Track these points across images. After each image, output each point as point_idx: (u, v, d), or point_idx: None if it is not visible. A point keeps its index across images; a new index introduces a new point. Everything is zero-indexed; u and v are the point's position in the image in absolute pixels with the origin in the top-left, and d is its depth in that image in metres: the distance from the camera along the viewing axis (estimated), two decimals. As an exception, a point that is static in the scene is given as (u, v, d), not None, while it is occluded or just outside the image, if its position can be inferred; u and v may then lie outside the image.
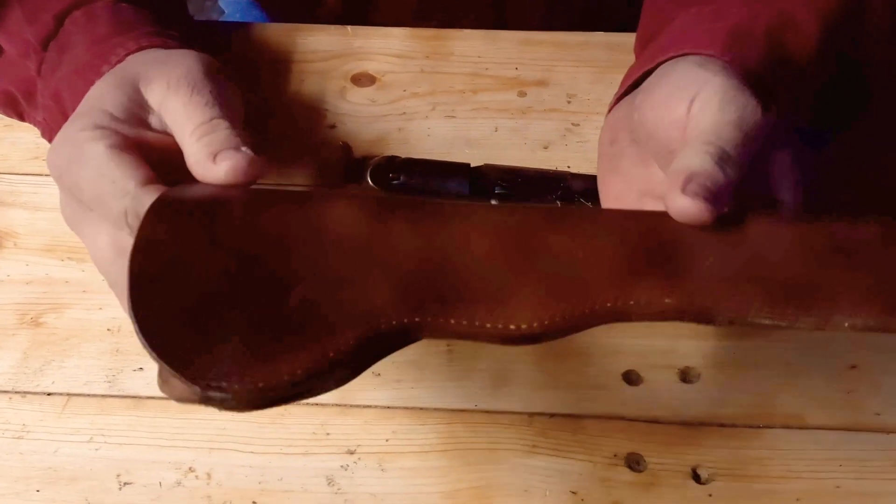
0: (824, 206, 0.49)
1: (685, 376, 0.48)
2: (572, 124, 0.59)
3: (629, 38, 0.58)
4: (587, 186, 0.52)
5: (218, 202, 0.36)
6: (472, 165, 0.53)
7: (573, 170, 0.56)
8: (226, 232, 0.34)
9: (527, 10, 0.73)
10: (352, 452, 0.46)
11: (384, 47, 0.63)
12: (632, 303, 0.32)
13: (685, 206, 0.34)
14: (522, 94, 0.61)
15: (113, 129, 0.40)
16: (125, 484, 0.45)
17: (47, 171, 0.56)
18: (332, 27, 0.64)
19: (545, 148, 0.58)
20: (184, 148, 0.40)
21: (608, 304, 0.32)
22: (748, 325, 0.32)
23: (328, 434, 0.46)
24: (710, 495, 0.44)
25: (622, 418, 0.47)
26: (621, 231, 0.36)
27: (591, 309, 0.32)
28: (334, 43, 0.63)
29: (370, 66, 0.62)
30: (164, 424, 0.47)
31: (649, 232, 0.36)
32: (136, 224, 0.35)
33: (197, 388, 0.29)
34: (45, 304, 0.51)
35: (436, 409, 0.47)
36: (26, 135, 0.58)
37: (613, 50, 0.63)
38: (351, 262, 0.33)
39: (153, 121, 0.42)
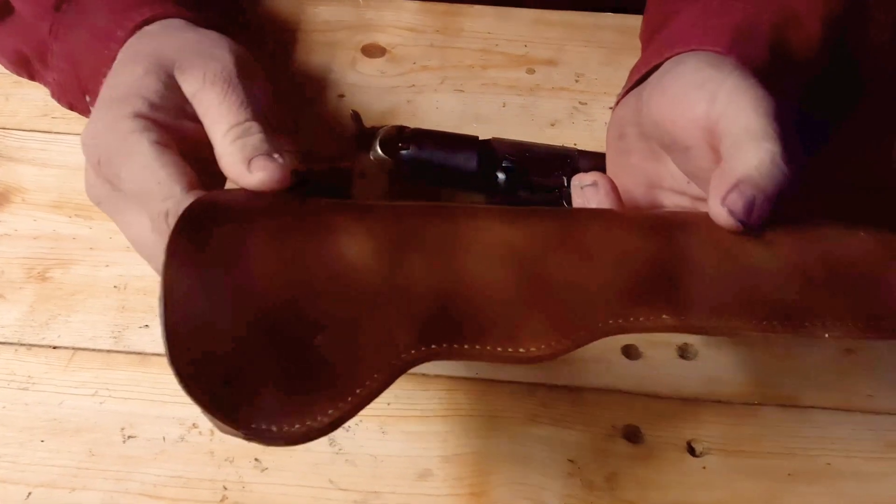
0: (819, 197, 0.50)
1: (684, 353, 0.49)
2: (580, 103, 0.60)
3: (638, 21, 0.58)
4: (594, 164, 0.53)
5: (243, 229, 0.36)
6: (481, 138, 0.53)
7: (580, 148, 0.56)
8: (251, 270, 0.35)
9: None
10: (354, 415, 0.47)
11: (395, 20, 0.64)
12: (632, 320, 0.35)
13: (720, 214, 0.36)
14: (531, 72, 0.61)
15: (154, 119, 0.40)
16: (129, 437, 0.46)
17: (56, 129, 0.57)
18: (345, -3, 0.64)
19: (552, 125, 0.59)
20: (216, 145, 0.40)
21: (610, 322, 0.35)
22: (738, 336, 0.35)
23: (331, 396, 0.47)
24: (704, 468, 0.45)
25: (621, 392, 0.48)
26: (627, 250, 0.38)
27: (596, 328, 0.35)
28: (346, 13, 0.64)
29: (381, 38, 0.62)
30: (169, 381, 0.46)
31: (653, 251, 0.38)
32: (174, 224, 0.36)
33: (241, 433, 0.31)
34: (51, 259, 0.51)
35: (438, 376, 0.48)
36: (35, 92, 0.58)
37: (623, 32, 0.63)
38: (369, 303, 0.35)
39: (189, 109, 0.42)
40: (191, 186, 0.38)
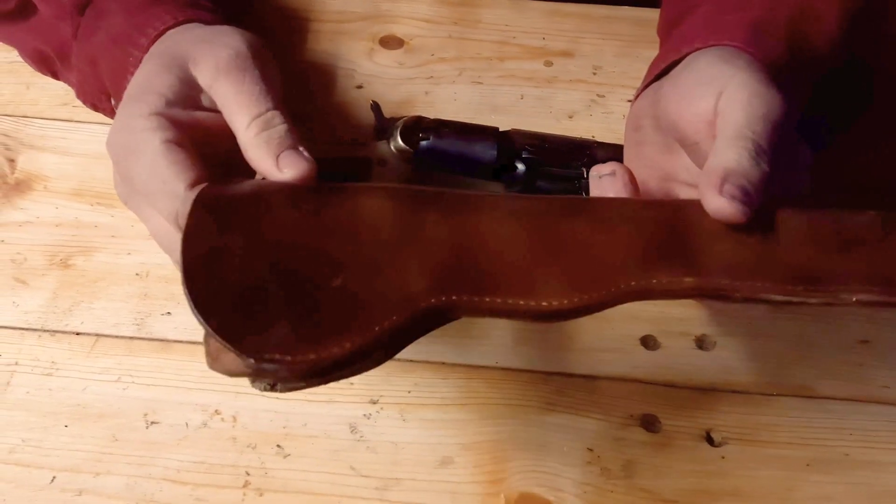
0: (824, 197, 0.50)
1: (701, 343, 0.49)
2: (598, 95, 0.60)
3: (654, 14, 0.59)
4: (612, 156, 0.53)
5: (260, 195, 0.38)
6: (499, 130, 0.54)
7: (598, 140, 0.56)
8: (269, 223, 0.36)
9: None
10: (374, 402, 0.47)
11: (413, 11, 0.64)
12: (654, 282, 0.35)
13: (722, 207, 0.36)
14: (549, 64, 0.62)
15: (168, 116, 0.40)
16: (152, 423, 0.46)
17: (77, 117, 0.57)
18: (361, -12, 0.65)
19: (570, 117, 0.59)
20: (239, 137, 0.40)
21: (632, 283, 0.35)
22: (761, 302, 0.35)
23: (352, 384, 0.47)
24: (723, 457, 0.46)
25: (638, 381, 0.48)
26: (641, 218, 0.38)
27: (616, 287, 0.35)
28: (363, 4, 0.64)
29: (398, 30, 0.63)
30: (192, 368, 0.48)
31: (668, 219, 0.38)
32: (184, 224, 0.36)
33: (251, 361, 0.31)
34: (74, 246, 0.52)
35: (456, 365, 0.48)
36: (55, 81, 0.58)
37: (639, 24, 0.63)
38: (388, 251, 0.36)
39: (204, 100, 0.42)
40: (196, 183, 0.38)
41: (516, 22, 0.64)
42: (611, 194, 0.43)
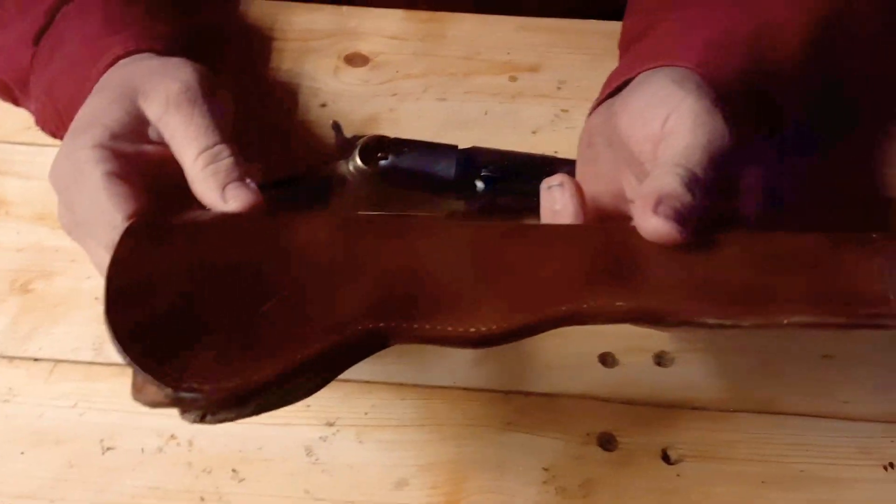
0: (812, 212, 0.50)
1: (660, 360, 0.49)
2: (562, 110, 0.60)
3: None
4: (573, 172, 0.53)
5: (196, 225, 0.38)
6: (460, 147, 0.54)
7: (561, 155, 0.56)
8: (201, 252, 0.37)
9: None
10: (331, 424, 0.47)
11: (379, 28, 0.64)
12: (585, 306, 0.35)
13: (656, 227, 0.36)
14: (514, 79, 0.62)
15: (112, 148, 0.40)
16: (108, 449, 0.46)
17: (40, 141, 0.57)
18: (327, 7, 0.65)
19: (534, 132, 0.59)
20: (186, 171, 0.41)
21: (563, 308, 0.35)
22: (696, 326, 0.35)
23: (308, 406, 0.47)
24: (679, 475, 0.45)
25: (597, 399, 0.48)
26: (578, 242, 0.38)
27: (546, 313, 0.35)
28: (329, 22, 0.64)
29: (364, 47, 0.63)
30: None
31: (605, 243, 0.38)
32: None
33: (169, 390, 0.31)
34: (34, 271, 0.52)
35: (415, 385, 0.48)
36: (21, 104, 0.59)
37: (607, 38, 0.63)
38: (320, 277, 0.36)
39: (152, 133, 0.43)
40: (136, 215, 0.38)
41: (482, 37, 0.64)
42: (557, 206, 0.42)
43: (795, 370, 0.49)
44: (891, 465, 0.46)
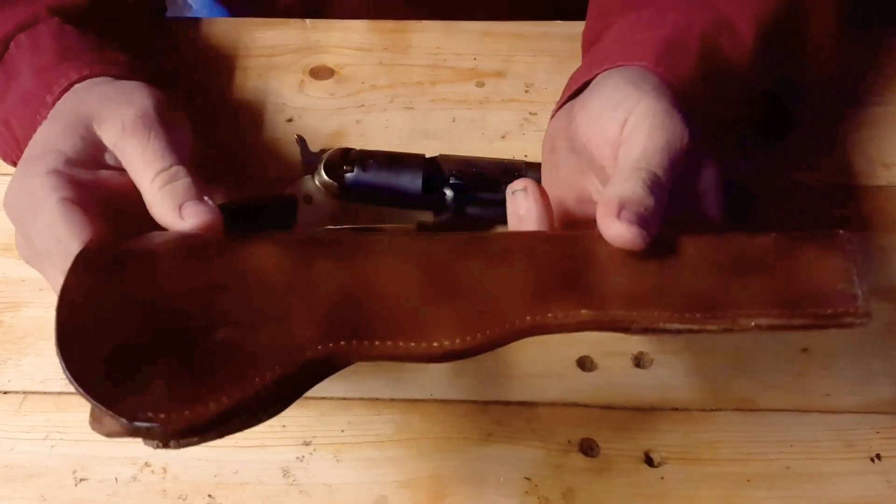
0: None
1: (639, 362, 0.49)
2: (530, 114, 0.59)
3: (585, 28, 0.58)
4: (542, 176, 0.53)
5: (150, 250, 0.37)
6: (426, 156, 0.53)
7: (530, 159, 0.56)
8: (154, 278, 0.36)
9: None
10: (307, 444, 0.46)
11: (343, 40, 0.63)
12: (549, 315, 0.34)
13: (620, 233, 0.36)
14: (481, 85, 0.61)
15: (68, 175, 0.40)
16: (81, 480, 0.45)
17: (4, 170, 0.56)
18: (291, 21, 0.64)
19: (503, 138, 0.58)
20: (144, 194, 0.40)
21: (527, 318, 0.34)
22: (661, 332, 0.34)
23: (284, 426, 0.46)
24: (662, 478, 0.45)
25: (576, 405, 0.47)
26: (539, 252, 0.38)
27: (510, 325, 0.34)
28: (293, 36, 0.63)
29: (329, 60, 0.62)
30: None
31: (566, 251, 0.37)
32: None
33: (124, 420, 0.31)
34: (1, 303, 0.51)
35: (391, 400, 0.48)
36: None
37: (572, 40, 0.62)
38: (274, 301, 0.35)
39: (108, 158, 0.42)
40: (92, 242, 0.37)
41: (447, 44, 0.63)
42: (522, 210, 0.42)
43: (774, 365, 0.48)
44: (878, 456, 0.45)
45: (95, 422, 0.33)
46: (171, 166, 0.40)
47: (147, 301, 0.34)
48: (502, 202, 0.52)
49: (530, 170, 0.53)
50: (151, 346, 0.33)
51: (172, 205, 0.39)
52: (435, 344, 0.33)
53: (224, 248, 0.37)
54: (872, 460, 0.45)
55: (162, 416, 0.30)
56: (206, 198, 0.39)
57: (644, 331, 0.34)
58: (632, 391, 0.48)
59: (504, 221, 0.51)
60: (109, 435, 0.32)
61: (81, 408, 0.47)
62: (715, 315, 0.34)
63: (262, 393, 0.32)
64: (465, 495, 0.45)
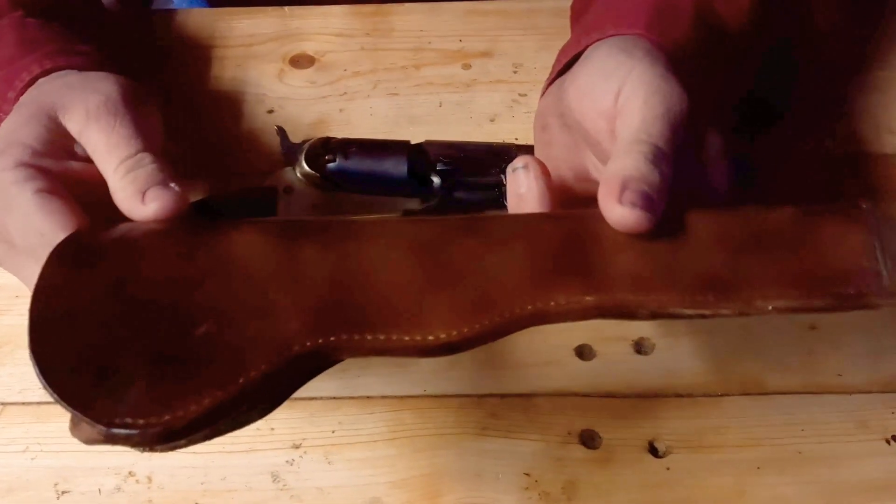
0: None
1: (640, 348, 0.47)
2: (519, 95, 0.57)
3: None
4: (534, 157, 0.51)
5: (130, 242, 0.35)
6: (412, 143, 0.51)
7: (520, 141, 0.54)
8: (134, 272, 0.34)
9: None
10: (297, 446, 0.44)
11: (323, 26, 0.61)
12: (552, 304, 0.32)
13: (624, 216, 0.33)
14: (467, 67, 0.59)
15: (37, 166, 0.38)
16: (63, 493, 0.43)
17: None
18: (269, 8, 0.62)
19: (492, 120, 0.56)
20: (109, 182, 0.38)
21: (528, 307, 0.32)
22: (671, 317, 0.32)
23: (272, 429, 0.45)
24: (668, 469, 0.43)
25: (575, 394, 0.45)
26: (538, 234, 0.35)
27: (510, 313, 0.32)
28: (271, 25, 0.61)
29: (309, 47, 0.60)
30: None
31: (567, 233, 0.35)
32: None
33: (101, 427, 0.29)
34: (-23, 311, 0.49)
35: (383, 397, 0.46)
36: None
37: (560, 15, 0.60)
38: (259, 292, 0.33)
39: (78, 149, 0.40)
40: (77, 230, 0.36)
41: (431, 26, 0.61)
42: (522, 189, 0.39)
43: (781, 345, 0.46)
44: (893, 437, 0.44)
45: (74, 427, 0.31)
46: (136, 153, 0.38)
47: (124, 295, 0.32)
48: (492, 186, 0.50)
49: (520, 152, 0.51)
50: (129, 343, 0.31)
51: (135, 191, 0.37)
52: (430, 337, 0.31)
53: (205, 237, 0.35)
54: (888, 441, 0.43)
55: (141, 421, 0.28)
56: (172, 184, 0.37)
57: (653, 316, 0.32)
58: (633, 378, 0.46)
59: (495, 206, 0.50)
60: (88, 441, 0.30)
61: (62, 418, 0.45)
62: (728, 297, 0.31)
63: (247, 392, 0.30)
64: (462, 493, 0.43)
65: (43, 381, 0.30)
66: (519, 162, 0.40)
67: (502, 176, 0.50)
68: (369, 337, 0.32)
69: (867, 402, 0.44)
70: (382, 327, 0.32)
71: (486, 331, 0.32)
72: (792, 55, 0.52)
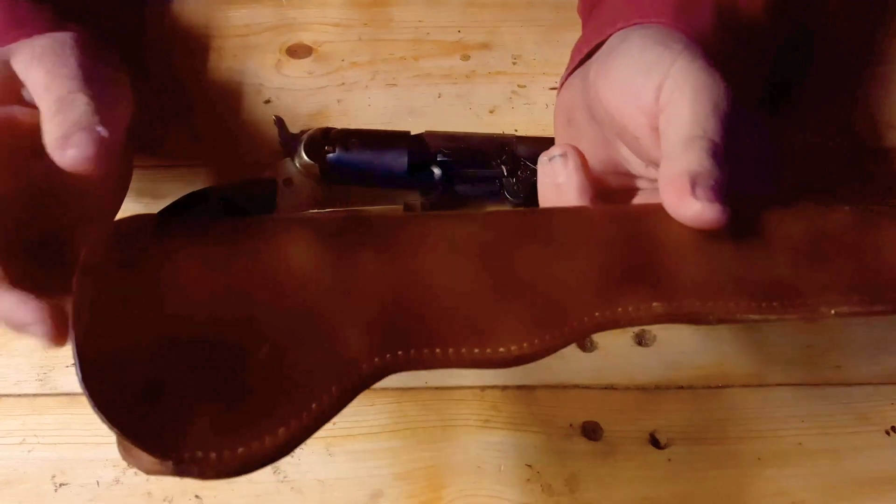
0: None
1: (641, 339, 0.47)
2: (518, 86, 0.57)
3: (575, -5, 0.56)
4: (534, 150, 0.50)
5: (160, 253, 0.33)
6: (412, 134, 0.51)
7: (520, 133, 0.54)
8: (177, 289, 0.31)
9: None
10: (297, 438, 0.44)
11: (320, 16, 0.61)
12: (620, 310, 0.31)
13: (701, 212, 0.32)
14: (466, 58, 0.59)
15: None
16: (61, 485, 0.43)
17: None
18: (266, -2, 0.61)
19: (491, 112, 0.56)
20: (42, 124, 0.35)
21: (596, 315, 0.31)
22: (735, 322, 0.32)
23: (272, 421, 0.44)
24: (670, 460, 0.43)
25: (577, 387, 0.45)
26: (600, 237, 0.34)
27: (580, 323, 0.31)
28: (268, 14, 0.61)
29: (306, 37, 0.60)
30: (100, 421, 0.44)
31: (629, 235, 0.34)
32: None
33: (169, 463, 0.27)
34: (-29, 302, 0.49)
35: (384, 389, 0.45)
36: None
37: (559, 8, 0.60)
38: (318, 305, 0.31)
39: (26, 94, 0.38)
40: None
41: (430, 17, 0.61)
42: (561, 179, 0.38)
43: (781, 337, 0.46)
44: (893, 429, 0.44)
45: (128, 453, 0.29)
46: (70, 92, 0.35)
47: (177, 317, 0.30)
48: (492, 178, 0.50)
49: (521, 143, 0.51)
50: (191, 371, 0.29)
51: (59, 134, 0.33)
52: (501, 349, 0.30)
53: (248, 240, 0.33)
54: (888, 433, 0.44)
55: (213, 454, 0.27)
56: (99, 128, 0.34)
57: (719, 321, 0.31)
58: (634, 370, 0.46)
59: (494, 199, 0.50)
60: (147, 472, 0.28)
61: (58, 409, 0.45)
62: (794, 304, 0.31)
63: (320, 418, 0.29)
64: (464, 485, 0.43)
65: (100, 415, 0.27)
66: (556, 150, 0.39)
67: (503, 167, 0.50)
68: (438, 351, 0.30)
69: (867, 394, 0.45)
70: (451, 340, 0.30)
71: (556, 342, 0.31)
72: (808, 43, 0.52)
